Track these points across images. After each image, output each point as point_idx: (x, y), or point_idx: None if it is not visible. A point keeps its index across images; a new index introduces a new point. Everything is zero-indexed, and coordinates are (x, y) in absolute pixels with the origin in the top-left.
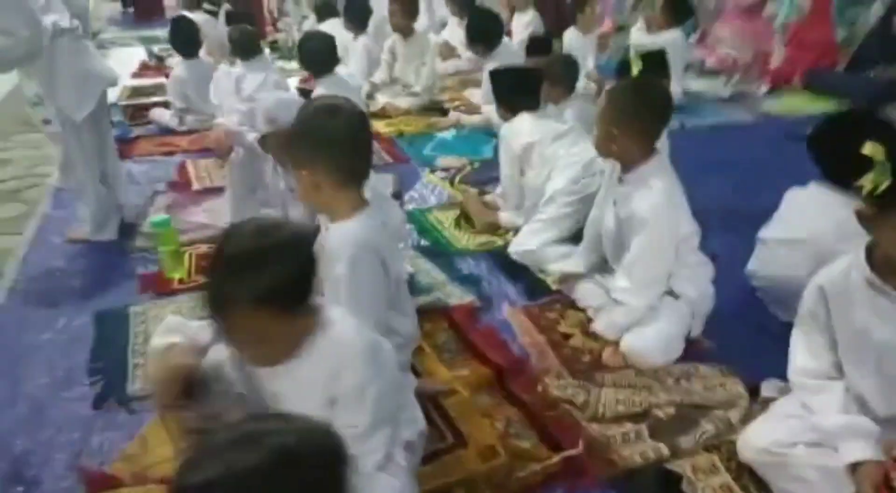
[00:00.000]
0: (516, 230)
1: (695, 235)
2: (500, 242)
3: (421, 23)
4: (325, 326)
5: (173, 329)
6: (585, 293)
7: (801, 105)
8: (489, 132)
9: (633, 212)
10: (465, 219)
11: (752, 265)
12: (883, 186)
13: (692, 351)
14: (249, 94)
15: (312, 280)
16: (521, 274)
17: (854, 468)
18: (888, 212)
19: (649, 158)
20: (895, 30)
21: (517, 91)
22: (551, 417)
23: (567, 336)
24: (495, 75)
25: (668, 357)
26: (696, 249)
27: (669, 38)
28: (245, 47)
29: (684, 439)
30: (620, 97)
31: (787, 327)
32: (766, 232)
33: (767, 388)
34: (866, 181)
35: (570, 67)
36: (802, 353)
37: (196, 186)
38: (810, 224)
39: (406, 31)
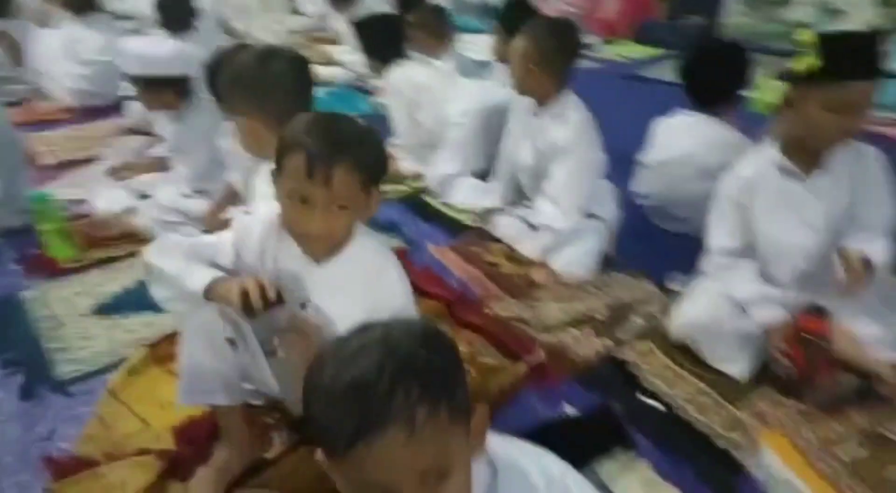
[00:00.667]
0: (417, 176)
1: (602, 162)
2: (407, 189)
3: None
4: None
5: (188, 255)
6: (504, 226)
7: (631, 52)
8: (362, 88)
9: (554, 142)
10: None
11: (636, 186)
12: (814, 67)
13: (604, 262)
14: (91, 57)
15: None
16: (436, 217)
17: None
18: (812, 90)
19: (563, 92)
20: None
21: (386, 40)
22: (507, 334)
23: (494, 265)
24: (361, 26)
25: (591, 271)
26: (602, 174)
27: None
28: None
29: (621, 332)
30: (538, 35)
31: (672, 236)
32: (646, 157)
33: (672, 283)
34: (798, 64)
35: (440, 16)
36: (720, 234)
37: (49, 160)
38: (685, 144)
39: None
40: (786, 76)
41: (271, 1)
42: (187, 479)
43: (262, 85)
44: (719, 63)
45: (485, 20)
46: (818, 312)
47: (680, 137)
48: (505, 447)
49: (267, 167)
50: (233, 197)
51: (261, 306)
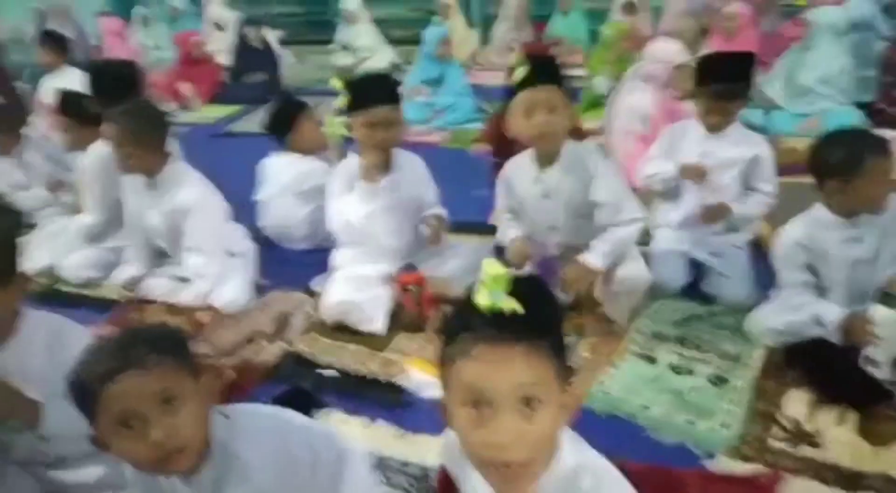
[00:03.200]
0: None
1: (226, 208)
2: (37, 288)
3: None
4: None
5: None
6: (157, 287)
7: (212, 113)
8: None
9: (181, 204)
10: None
11: (260, 220)
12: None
13: (256, 289)
14: None
15: None
16: (75, 301)
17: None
18: (354, 117)
19: (167, 161)
20: (250, 42)
21: None
22: None
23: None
24: None
25: (249, 299)
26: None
27: None
28: None
29: (289, 334)
30: (125, 122)
31: (301, 252)
32: (259, 195)
33: (315, 285)
34: (339, 103)
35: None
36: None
37: None
38: (284, 179)
39: None
40: (339, 112)
41: None
42: None
43: None
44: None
45: None
46: (411, 267)
47: (279, 174)
48: (244, 409)
49: None
50: None
51: None
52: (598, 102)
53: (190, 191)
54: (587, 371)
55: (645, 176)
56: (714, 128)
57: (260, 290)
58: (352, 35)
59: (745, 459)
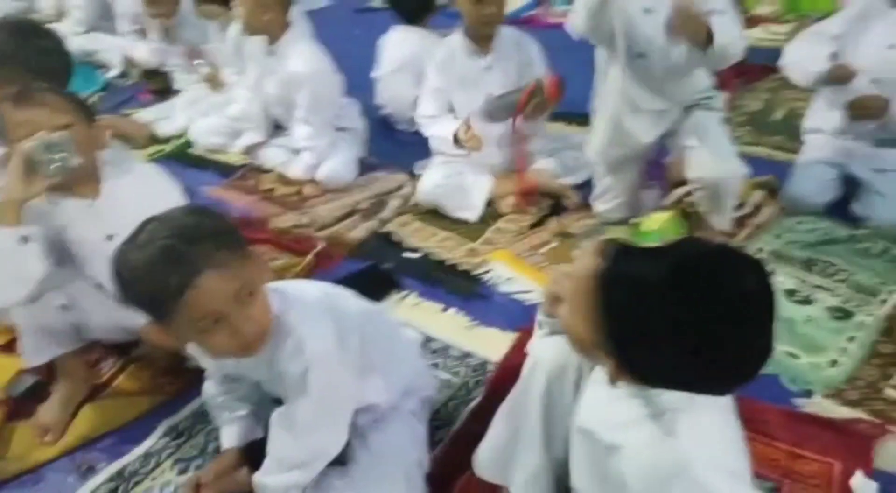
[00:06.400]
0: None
1: (339, 83)
2: (169, 148)
3: None
4: None
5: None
6: (270, 156)
7: None
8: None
9: (294, 73)
10: None
11: (377, 98)
12: None
13: (361, 166)
14: None
15: None
16: (202, 164)
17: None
18: None
19: (289, 28)
20: None
21: None
22: (290, 239)
23: (269, 190)
24: None
25: (352, 176)
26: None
27: None
28: None
29: (384, 214)
30: None
31: (410, 133)
32: (376, 72)
33: (418, 168)
34: None
35: None
36: (426, 105)
37: None
38: (400, 56)
39: None
40: None
41: None
42: (31, 416)
43: None
44: None
45: None
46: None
47: (396, 50)
48: (292, 283)
49: None
50: None
51: None
52: None
53: (303, 62)
54: None
55: (788, 62)
56: None
57: (365, 167)
58: None
59: (849, 404)
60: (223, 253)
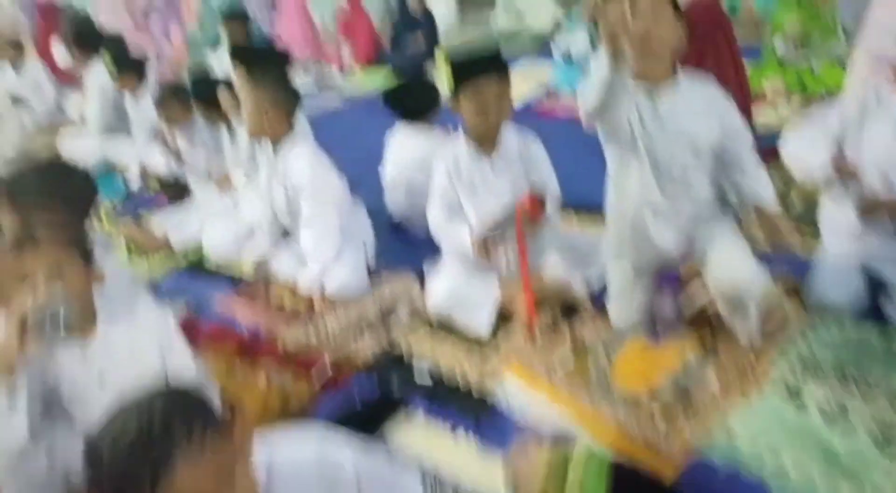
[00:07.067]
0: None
1: (343, 186)
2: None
3: None
4: None
5: None
6: (279, 266)
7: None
8: None
9: (296, 181)
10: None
11: (386, 201)
12: None
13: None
14: None
15: None
16: (214, 275)
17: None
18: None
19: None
20: (411, 8)
21: None
22: (297, 357)
23: (279, 301)
24: None
25: (362, 285)
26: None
27: None
28: None
29: (392, 322)
30: (268, 81)
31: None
32: (385, 176)
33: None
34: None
35: None
36: (436, 205)
37: None
38: (408, 158)
39: None
40: None
41: None
42: None
43: None
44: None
45: None
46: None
47: (402, 153)
48: (283, 442)
49: None
50: None
51: None
52: None
53: (303, 167)
54: (710, 403)
55: (790, 156)
56: None
57: (374, 273)
58: None
59: None
60: (197, 439)
